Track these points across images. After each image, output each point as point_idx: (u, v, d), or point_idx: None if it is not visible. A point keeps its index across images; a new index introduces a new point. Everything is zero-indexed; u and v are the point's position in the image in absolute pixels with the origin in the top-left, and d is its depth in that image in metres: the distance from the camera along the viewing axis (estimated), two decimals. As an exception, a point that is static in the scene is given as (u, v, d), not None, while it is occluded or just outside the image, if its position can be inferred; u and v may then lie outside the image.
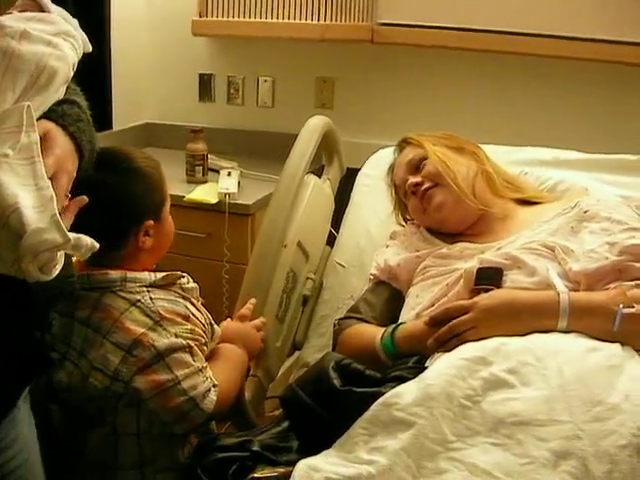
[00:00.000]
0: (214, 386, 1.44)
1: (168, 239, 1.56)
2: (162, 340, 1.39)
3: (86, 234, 1.31)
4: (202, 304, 1.55)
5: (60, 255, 1.05)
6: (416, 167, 1.82)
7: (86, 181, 1.27)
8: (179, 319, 1.44)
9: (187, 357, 1.42)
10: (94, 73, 3.10)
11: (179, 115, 3.46)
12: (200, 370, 1.43)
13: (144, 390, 1.39)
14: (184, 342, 1.42)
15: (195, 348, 1.44)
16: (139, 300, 1.42)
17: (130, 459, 1.46)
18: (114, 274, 1.44)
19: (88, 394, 1.42)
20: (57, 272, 1.04)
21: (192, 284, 1.52)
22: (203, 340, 1.48)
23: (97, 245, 1.08)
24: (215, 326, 1.56)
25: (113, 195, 1.41)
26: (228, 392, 1.50)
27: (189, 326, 1.45)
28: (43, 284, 1.05)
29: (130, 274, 1.45)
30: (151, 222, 1.48)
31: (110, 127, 3.31)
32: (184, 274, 1.51)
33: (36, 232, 0.99)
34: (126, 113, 3.40)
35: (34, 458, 1.33)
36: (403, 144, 1.93)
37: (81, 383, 1.42)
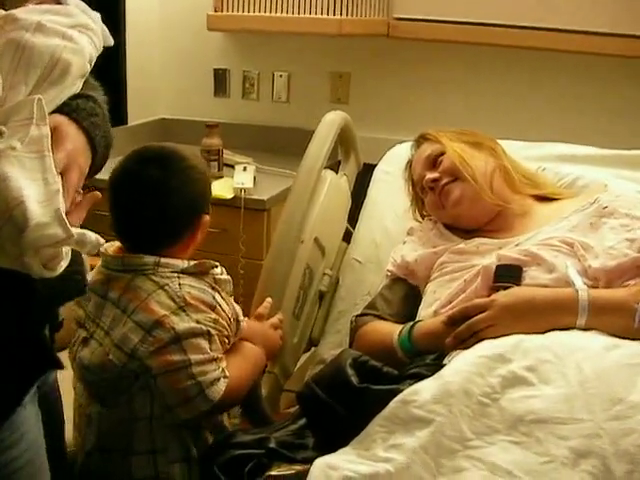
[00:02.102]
0: (225, 377, 1.44)
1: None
2: (183, 324, 1.40)
3: (147, 232, 1.45)
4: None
5: (66, 251, 1.02)
6: (434, 163, 1.81)
7: (147, 182, 1.44)
8: (204, 307, 1.44)
9: (204, 343, 1.42)
10: (109, 68, 3.10)
11: (194, 110, 3.47)
12: (214, 359, 1.43)
13: (155, 367, 1.40)
14: (204, 328, 1.42)
15: (215, 337, 1.44)
16: (167, 284, 1.44)
17: (142, 444, 1.47)
18: (148, 258, 1.46)
19: (106, 372, 1.44)
20: (62, 269, 1.01)
21: (225, 276, 1.53)
22: (225, 332, 1.48)
23: (102, 241, 1.06)
24: (242, 323, 1.56)
25: (176, 195, 1.47)
26: (238, 387, 1.49)
27: (213, 315, 1.45)
28: (48, 281, 1.02)
29: (164, 259, 1.47)
30: (207, 217, 1.53)
31: (125, 122, 3.32)
32: (217, 264, 1.52)
33: (38, 227, 0.96)
34: (141, 108, 3.41)
35: (40, 459, 1.30)
36: (421, 140, 1.91)
37: (101, 361, 1.44)
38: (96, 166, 1.15)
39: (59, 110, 1.10)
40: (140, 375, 1.43)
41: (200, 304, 1.44)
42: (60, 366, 1.29)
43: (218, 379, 1.42)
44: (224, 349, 1.48)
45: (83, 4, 1.21)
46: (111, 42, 1.25)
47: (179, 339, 1.40)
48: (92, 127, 1.13)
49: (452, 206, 1.77)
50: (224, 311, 1.49)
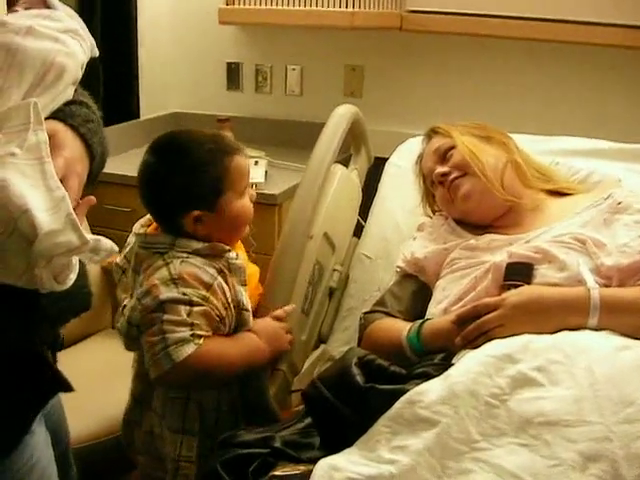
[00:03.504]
0: (195, 343, 1.44)
1: (230, 226, 1.59)
2: (168, 293, 1.45)
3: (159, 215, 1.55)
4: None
5: (75, 262, 0.99)
6: (444, 156, 1.79)
7: (146, 167, 1.54)
8: (196, 283, 1.47)
9: (182, 309, 1.45)
10: (121, 63, 3.11)
11: (207, 104, 3.46)
12: (189, 324, 1.45)
13: (141, 326, 1.48)
14: (187, 298, 1.45)
15: (198, 308, 1.46)
16: (172, 261, 1.49)
17: (155, 405, 1.59)
18: (165, 237, 1.53)
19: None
20: (72, 281, 0.99)
21: (239, 262, 1.56)
22: (216, 312, 1.49)
23: (116, 248, 1.03)
24: (247, 313, 1.57)
25: (162, 185, 1.52)
26: (212, 362, 1.48)
27: (204, 292, 1.47)
28: (55, 296, 0.99)
29: (179, 240, 1.52)
30: (197, 212, 1.52)
31: (137, 116, 3.32)
32: (228, 249, 1.55)
33: (50, 234, 0.92)
34: (154, 102, 3.41)
35: None
36: (431, 133, 1.89)
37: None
38: (93, 174, 1.12)
39: (54, 116, 1.07)
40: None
41: (193, 280, 1.47)
42: (69, 388, 1.24)
43: (186, 341, 1.44)
44: (213, 327, 1.49)
45: (71, 10, 1.19)
46: (97, 53, 1.22)
47: (162, 304, 1.44)
48: (89, 134, 1.10)
49: (461, 201, 1.74)
50: (224, 294, 1.51)
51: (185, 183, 1.51)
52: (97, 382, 2.18)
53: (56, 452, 1.33)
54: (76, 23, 1.17)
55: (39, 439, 1.24)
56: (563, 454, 1.14)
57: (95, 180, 1.16)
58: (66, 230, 0.94)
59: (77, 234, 0.95)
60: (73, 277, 0.99)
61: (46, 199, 0.95)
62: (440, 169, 1.76)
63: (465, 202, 1.74)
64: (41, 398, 1.22)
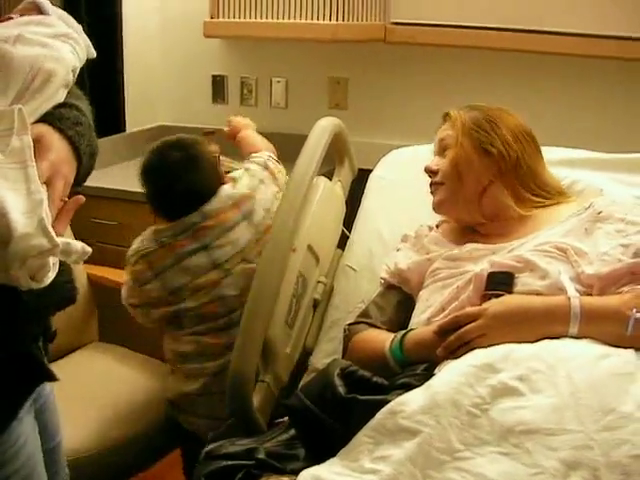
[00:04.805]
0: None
1: None
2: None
3: (189, 197, 2.08)
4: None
5: (54, 262, 1.00)
6: (444, 149, 1.79)
7: (181, 159, 2.15)
8: None
9: None
10: (107, 76, 3.11)
11: (193, 117, 3.46)
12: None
13: None
14: None
15: None
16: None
17: None
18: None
19: None
20: (50, 279, 1.00)
21: None
22: None
23: (89, 250, 1.04)
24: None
25: (202, 159, 2.17)
26: None
27: None
28: (37, 292, 1.01)
29: None
30: None
31: (123, 130, 3.32)
32: None
33: (23, 238, 0.94)
34: (139, 116, 3.41)
35: (37, 473, 1.31)
36: (444, 117, 1.86)
37: None
38: (81, 175, 1.14)
39: (42, 119, 1.09)
40: None
41: None
42: (53, 378, 1.28)
43: None
44: None
45: (66, 14, 1.21)
46: (94, 54, 1.24)
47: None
48: (76, 136, 1.11)
49: (435, 207, 1.79)
50: None
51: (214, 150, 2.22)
52: (84, 395, 2.18)
53: (44, 448, 1.36)
54: (68, 27, 1.19)
55: (27, 427, 1.28)
56: (544, 462, 1.14)
57: (83, 181, 1.18)
58: (37, 234, 0.96)
59: (48, 238, 0.96)
60: (52, 275, 1.01)
61: (25, 202, 0.97)
62: (431, 164, 1.78)
63: (437, 209, 1.80)
64: (27, 387, 1.26)
